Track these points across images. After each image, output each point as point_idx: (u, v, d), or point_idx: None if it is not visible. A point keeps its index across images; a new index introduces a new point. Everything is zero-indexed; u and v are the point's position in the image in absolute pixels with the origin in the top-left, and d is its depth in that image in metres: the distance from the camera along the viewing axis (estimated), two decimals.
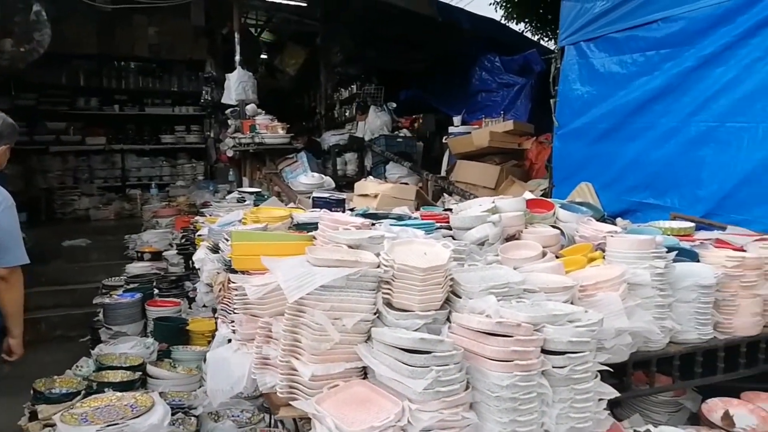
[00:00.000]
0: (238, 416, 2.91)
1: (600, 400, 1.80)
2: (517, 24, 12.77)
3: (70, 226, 9.11)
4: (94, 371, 3.39)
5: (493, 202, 2.98)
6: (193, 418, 2.81)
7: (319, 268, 1.79)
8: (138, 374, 3.23)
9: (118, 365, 3.38)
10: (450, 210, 3.37)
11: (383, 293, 1.87)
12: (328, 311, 1.74)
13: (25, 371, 3.52)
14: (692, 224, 3.16)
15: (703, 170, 4.12)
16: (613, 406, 2.49)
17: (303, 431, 1.67)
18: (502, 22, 12.16)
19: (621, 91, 4.81)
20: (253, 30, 11.21)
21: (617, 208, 4.56)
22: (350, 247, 2.05)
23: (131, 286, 5.30)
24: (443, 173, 8.03)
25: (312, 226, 2.63)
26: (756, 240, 2.85)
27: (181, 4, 8.00)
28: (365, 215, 2.95)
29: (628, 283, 2.20)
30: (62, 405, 2.74)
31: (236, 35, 8.10)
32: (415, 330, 1.76)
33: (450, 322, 1.85)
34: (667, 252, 2.39)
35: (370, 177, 6.83)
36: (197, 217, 5.13)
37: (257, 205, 4.12)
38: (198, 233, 4.04)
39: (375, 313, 1.82)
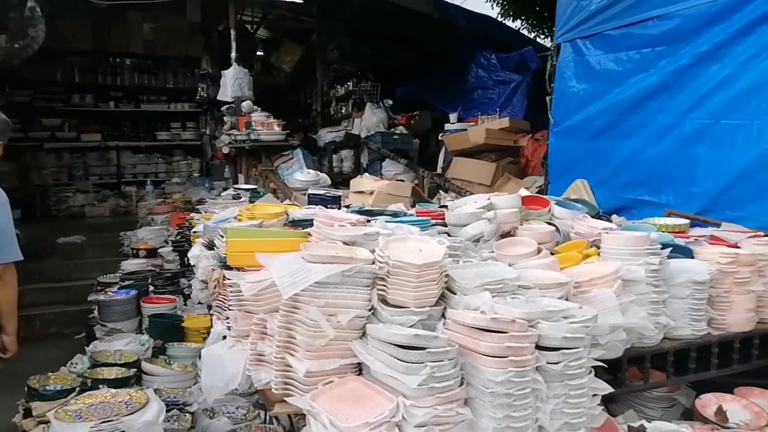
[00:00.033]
0: (233, 413, 2.91)
1: (594, 395, 1.81)
2: (513, 21, 12.77)
3: (65, 223, 9.07)
4: (88, 368, 3.38)
5: (489, 199, 2.98)
6: (188, 414, 2.81)
7: (313, 265, 1.79)
8: (133, 371, 3.22)
9: (113, 362, 3.37)
10: (445, 207, 3.37)
11: (378, 290, 1.87)
12: (322, 308, 1.74)
13: (20, 368, 3.51)
14: (687, 221, 3.17)
15: (698, 167, 4.13)
16: (607, 401, 2.51)
17: (298, 427, 1.67)
18: (499, 19, 12.15)
19: (617, 88, 4.82)
20: (249, 27, 11.18)
21: (612, 205, 4.57)
22: (345, 243, 2.05)
23: (126, 283, 5.29)
24: (439, 170, 8.03)
25: (307, 223, 2.63)
26: (750, 237, 2.86)
27: (176, 1, 7.97)
28: (361, 212, 2.95)
29: (622, 280, 2.21)
30: (56, 402, 2.73)
31: (232, 32, 8.07)
32: (410, 326, 1.77)
33: (445, 318, 1.86)
34: (661, 249, 2.40)
35: (366, 174, 6.82)
36: (193, 214, 5.12)
37: (253, 202, 4.11)
38: (193, 230, 4.03)
39: (370, 310, 1.82)
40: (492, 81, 9.15)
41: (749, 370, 2.60)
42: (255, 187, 5.35)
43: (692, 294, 2.39)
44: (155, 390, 2.76)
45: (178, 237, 5.87)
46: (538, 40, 12.08)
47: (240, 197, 4.68)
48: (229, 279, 2.20)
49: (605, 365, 1.95)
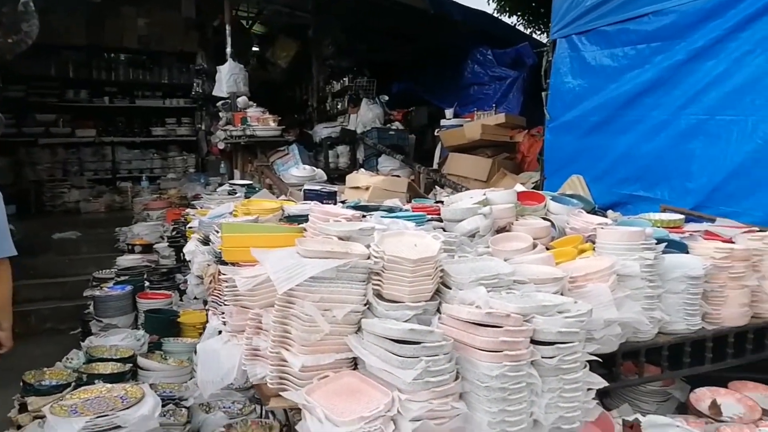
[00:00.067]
0: (229, 407, 2.91)
1: (589, 389, 1.81)
2: (509, 17, 12.76)
3: (60, 218, 9.04)
4: (84, 363, 3.37)
5: (484, 194, 2.98)
6: (184, 409, 2.81)
7: (308, 260, 1.79)
8: (128, 366, 3.22)
9: (109, 357, 3.37)
10: (441, 202, 3.37)
11: (373, 284, 1.87)
12: (317, 302, 1.74)
13: (15, 364, 3.50)
14: (682, 216, 3.18)
15: (693, 163, 4.15)
16: (602, 395, 2.52)
17: (294, 422, 1.67)
18: (495, 15, 12.14)
19: (612, 84, 4.83)
20: (244, 22, 11.13)
21: (608, 200, 4.58)
22: (340, 238, 2.05)
23: (122, 278, 5.28)
24: (435, 166, 8.04)
25: (303, 218, 2.63)
26: (744, 232, 2.88)
27: None
28: (356, 207, 2.95)
29: (617, 275, 2.22)
30: (52, 397, 2.72)
31: (227, 27, 8.04)
32: (406, 321, 1.77)
33: (440, 313, 1.86)
34: (656, 244, 2.41)
35: (362, 170, 6.82)
36: (188, 210, 5.11)
37: (248, 198, 4.10)
38: (189, 225, 4.03)
39: (365, 305, 1.82)
40: (488, 77, 9.16)
41: (743, 364, 2.61)
42: (250, 182, 5.34)
43: (687, 289, 2.40)
44: (151, 385, 2.76)
45: (174, 232, 5.87)
46: (534, 36, 12.07)
47: (235, 193, 4.67)
48: (224, 274, 2.20)
49: (600, 359, 1.96)
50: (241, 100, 7.54)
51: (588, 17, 5.04)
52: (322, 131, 9.10)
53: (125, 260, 5.99)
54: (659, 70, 4.43)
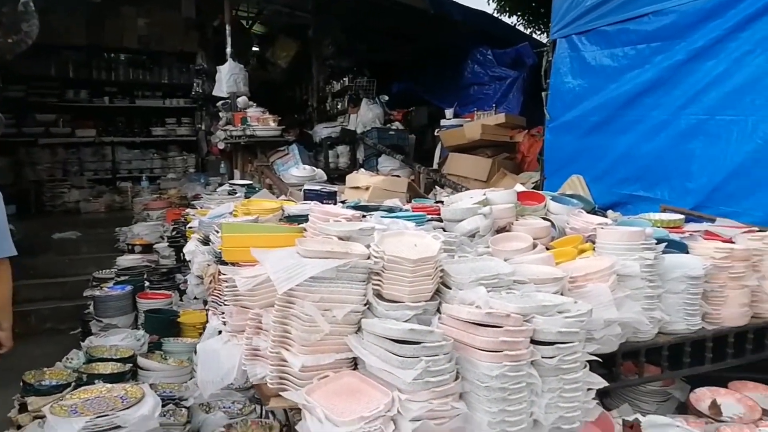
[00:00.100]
0: (230, 407, 2.91)
1: (589, 389, 1.81)
2: (509, 17, 12.76)
3: (60, 218, 9.04)
4: (84, 363, 3.37)
5: (484, 194, 2.98)
6: (184, 409, 2.81)
7: (308, 260, 1.79)
8: (128, 366, 3.22)
9: (109, 357, 3.37)
10: (441, 202, 3.37)
11: (373, 284, 1.87)
12: (317, 302, 1.74)
13: (15, 364, 3.50)
14: (682, 216, 3.19)
15: (693, 163, 4.15)
16: (602, 395, 2.52)
17: (294, 422, 1.67)
18: (495, 15, 12.14)
19: (612, 84, 4.83)
20: (244, 22, 11.13)
21: (608, 200, 4.58)
22: (340, 238, 2.05)
23: (122, 278, 5.28)
24: (435, 166, 8.04)
25: (303, 218, 2.63)
26: (744, 232, 2.88)
27: None
28: (356, 207, 2.95)
29: (617, 275, 2.22)
30: (52, 397, 2.72)
31: (227, 27, 8.04)
32: (406, 321, 1.77)
33: (440, 313, 1.86)
34: (656, 244, 2.40)
35: (362, 169, 6.81)
36: (188, 210, 5.10)
37: (248, 198, 4.10)
38: (189, 225, 4.03)
39: (365, 305, 1.82)
40: (488, 77, 9.16)
41: (743, 364, 2.61)
42: (250, 182, 5.34)
43: (687, 289, 2.40)
44: (151, 385, 2.76)
45: (174, 232, 5.87)
46: (534, 36, 12.07)
47: (235, 193, 4.67)
48: (224, 274, 2.20)
49: (600, 359, 1.96)
50: (241, 100, 7.54)
51: (588, 17, 5.04)
52: (322, 131, 9.10)
53: (125, 260, 5.99)
54: (659, 70, 4.43)
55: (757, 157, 3.74)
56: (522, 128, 7.50)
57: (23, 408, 2.89)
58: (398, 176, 6.71)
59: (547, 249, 2.52)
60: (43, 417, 2.39)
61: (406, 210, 3.07)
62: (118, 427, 2.18)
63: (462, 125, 7.77)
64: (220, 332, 2.27)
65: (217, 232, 2.66)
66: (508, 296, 1.87)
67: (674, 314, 2.40)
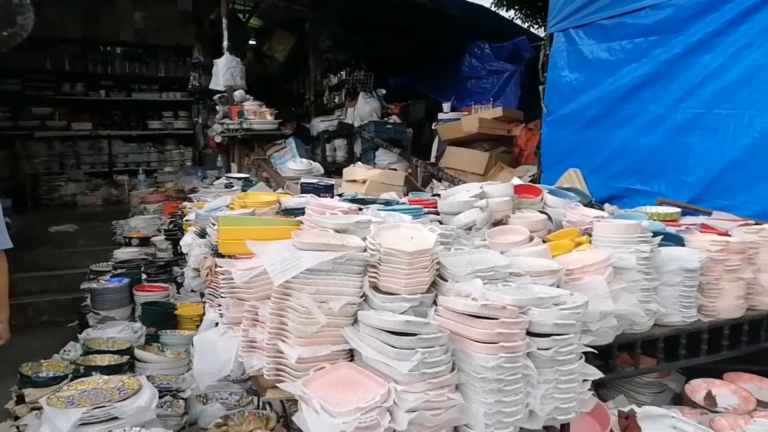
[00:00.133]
0: (227, 399, 2.92)
1: (585, 381, 1.82)
2: (507, 11, 12.76)
3: (57, 211, 9.02)
4: (81, 355, 3.37)
5: (481, 187, 2.98)
6: (181, 400, 2.81)
7: (305, 252, 1.79)
8: (126, 358, 3.22)
9: (106, 349, 3.37)
10: (438, 195, 3.37)
11: (370, 277, 1.87)
12: (314, 294, 1.74)
13: (12, 356, 3.50)
14: (678, 210, 3.20)
15: (690, 156, 4.16)
16: (598, 387, 2.54)
17: (290, 413, 1.68)
18: (492, 9, 12.12)
19: (609, 77, 4.83)
20: (241, 15, 11.10)
21: (605, 193, 4.59)
22: (337, 231, 2.05)
23: (119, 271, 5.27)
24: (433, 159, 8.03)
25: (300, 212, 2.63)
26: (740, 225, 2.89)
27: None
28: (353, 200, 2.95)
29: (613, 267, 2.23)
30: (49, 388, 2.72)
31: (224, 21, 8.00)
32: (402, 313, 1.77)
33: (436, 305, 1.86)
34: (652, 236, 2.41)
35: (359, 163, 6.81)
36: (185, 203, 5.10)
37: (245, 191, 4.10)
38: (185, 218, 4.02)
39: (361, 297, 1.82)
40: (485, 71, 9.15)
41: (739, 356, 2.63)
42: (247, 176, 5.33)
43: (683, 281, 2.41)
44: (148, 377, 2.76)
45: (171, 226, 5.86)
46: (531, 29, 12.07)
47: (232, 186, 4.66)
48: (220, 267, 2.20)
49: (596, 351, 1.97)
50: (238, 94, 7.52)
51: (585, 11, 5.04)
52: (319, 125, 9.09)
53: (122, 253, 5.98)
54: (656, 64, 4.43)
55: (753, 151, 3.75)
56: (519, 122, 7.51)
57: (21, 399, 2.90)
58: (395, 170, 6.70)
59: (544, 242, 2.53)
60: (40, 408, 2.39)
61: (403, 203, 3.07)
62: (115, 418, 2.18)
63: (459, 119, 7.77)
64: (216, 324, 2.27)
65: (214, 225, 2.66)
66: (504, 288, 1.88)
67: (670, 306, 2.41)
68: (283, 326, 1.79)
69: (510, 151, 7.33)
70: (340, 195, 3.65)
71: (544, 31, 6.38)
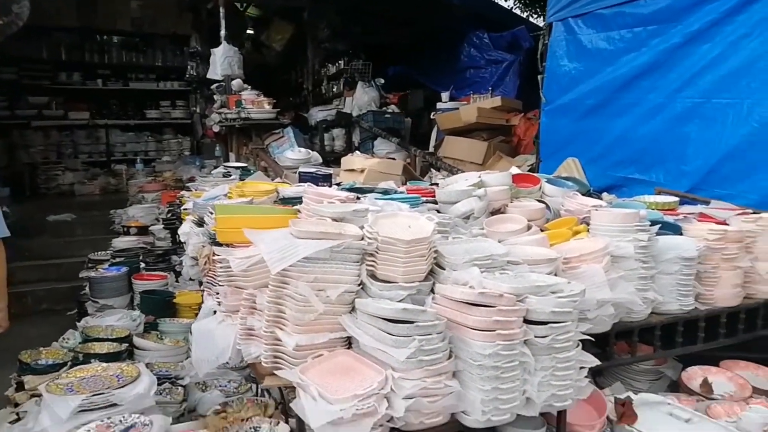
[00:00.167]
0: (226, 386, 2.93)
1: (581, 368, 1.83)
2: (506, 0, 12.69)
3: (55, 201, 9.00)
4: (80, 343, 3.38)
5: (479, 176, 2.98)
6: (180, 388, 2.82)
7: (302, 241, 1.79)
8: (124, 346, 3.22)
9: (105, 337, 3.37)
10: (436, 184, 3.37)
11: (367, 265, 1.88)
12: (311, 283, 1.74)
13: (11, 344, 3.51)
14: (676, 199, 3.21)
15: (689, 146, 4.15)
16: (595, 374, 2.55)
17: (289, 400, 1.69)
18: None
19: (608, 67, 4.82)
20: (238, 5, 11.01)
21: (603, 183, 4.59)
22: (334, 220, 2.05)
23: (117, 260, 5.27)
24: (431, 149, 8.01)
25: (297, 200, 2.63)
26: (738, 214, 2.89)
27: None
28: (351, 189, 2.95)
29: (611, 256, 2.24)
30: (48, 376, 2.73)
31: (221, 9, 7.96)
32: (399, 301, 1.78)
33: (434, 293, 1.87)
34: (650, 225, 2.42)
35: (357, 152, 6.80)
36: (183, 192, 5.09)
37: (243, 180, 4.09)
38: (183, 207, 4.02)
39: (359, 285, 1.83)
40: (484, 60, 9.10)
41: (735, 343, 2.64)
42: (245, 165, 5.32)
43: (680, 270, 2.42)
44: (147, 364, 2.77)
45: (169, 215, 5.86)
46: (530, 19, 12.01)
47: (230, 175, 4.65)
48: (218, 255, 2.20)
49: (593, 339, 1.98)
50: (236, 83, 7.49)
51: (584, 0, 5.01)
52: (317, 114, 9.06)
53: (121, 242, 5.98)
54: (655, 54, 4.41)
55: (752, 140, 3.75)
56: (518, 111, 7.48)
57: (20, 387, 2.90)
58: (394, 159, 6.69)
59: (542, 231, 2.53)
60: (39, 395, 2.40)
61: (401, 192, 3.07)
62: (114, 404, 2.19)
63: (458, 108, 7.74)
64: (215, 312, 2.28)
65: (212, 213, 2.66)
66: (502, 277, 1.89)
67: (667, 295, 2.42)
68: (281, 314, 1.80)
69: (508, 140, 7.31)
70: (338, 184, 3.65)
71: (543, 21, 6.35)
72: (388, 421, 1.59)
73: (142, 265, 5.19)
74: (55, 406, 2.14)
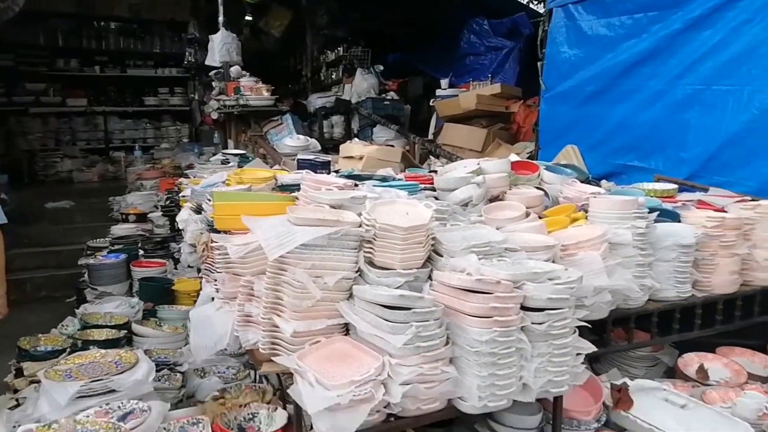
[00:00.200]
0: (224, 372, 2.94)
1: (578, 354, 1.84)
2: None
3: (53, 188, 9.00)
4: (78, 330, 3.38)
5: (478, 163, 2.98)
6: (179, 374, 2.83)
7: (299, 227, 1.79)
8: (123, 333, 3.22)
9: (103, 324, 3.38)
10: (435, 172, 3.36)
11: (365, 252, 1.88)
12: (309, 269, 1.74)
13: (10, 331, 3.51)
14: (675, 186, 3.20)
15: (689, 133, 4.14)
16: (592, 361, 2.57)
17: (287, 386, 1.69)
18: None
19: (608, 53, 4.78)
20: None
21: (602, 170, 4.58)
22: (332, 207, 2.04)
23: (116, 247, 5.26)
24: (430, 136, 7.99)
25: (296, 187, 2.62)
26: (737, 201, 2.89)
27: None
28: (349, 177, 2.94)
29: (609, 243, 2.23)
30: (47, 362, 2.74)
31: None
32: (397, 288, 1.78)
33: (431, 280, 1.87)
34: (648, 213, 2.42)
35: (356, 139, 6.78)
36: (181, 179, 5.08)
37: (241, 167, 4.08)
38: (182, 194, 4.01)
39: (357, 272, 1.83)
40: (484, 47, 9.05)
41: (732, 330, 2.65)
42: (244, 152, 5.31)
43: (678, 257, 2.43)
44: (146, 351, 2.77)
45: (168, 202, 5.84)
46: (530, 5, 11.88)
47: (229, 162, 4.64)
48: (216, 242, 2.20)
49: (590, 326, 1.98)
50: (234, 70, 7.45)
51: None
52: (316, 101, 9.03)
53: (119, 229, 5.97)
54: (656, 40, 4.38)
55: (752, 127, 3.74)
56: (518, 98, 7.45)
57: (19, 373, 2.91)
58: (392, 146, 6.67)
59: (540, 218, 2.53)
60: (39, 381, 2.41)
61: (399, 179, 3.06)
62: (113, 391, 2.20)
63: (457, 95, 7.71)
64: (213, 299, 2.28)
65: (210, 200, 2.65)
66: (499, 263, 1.89)
67: (665, 282, 2.43)
68: (279, 301, 1.80)
69: (508, 127, 7.29)
70: (336, 171, 3.64)
71: (543, 7, 6.31)
72: (385, 407, 1.59)
73: (141, 252, 5.18)
74: (53, 392, 2.15)
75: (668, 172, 4.09)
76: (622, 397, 2.16)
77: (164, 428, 2.13)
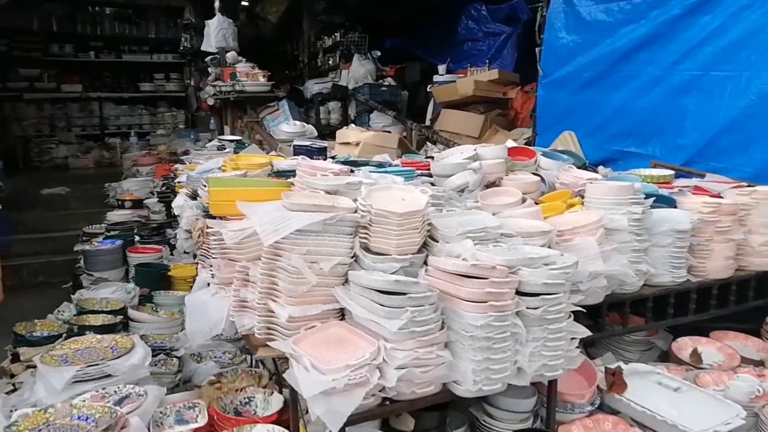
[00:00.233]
0: (220, 357, 2.94)
1: (573, 339, 1.85)
2: None
3: (49, 174, 8.97)
4: (75, 315, 3.38)
5: (475, 149, 2.97)
6: (175, 359, 2.84)
7: (295, 213, 1.78)
8: (119, 318, 3.23)
9: (99, 309, 3.38)
10: (432, 158, 3.35)
11: (361, 238, 1.88)
12: (304, 255, 1.74)
13: (6, 316, 3.52)
14: (672, 172, 3.20)
15: (686, 119, 4.13)
16: (587, 345, 2.58)
17: (282, 370, 1.70)
18: None
19: (607, 39, 4.75)
20: None
21: (599, 156, 4.57)
22: (327, 192, 2.04)
23: (112, 233, 5.26)
24: (428, 122, 7.96)
25: (292, 173, 2.61)
26: (733, 187, 2.89)
27: None
28: (345, 162, 2.93)
29: (605, 229, 2.24)
30: (43, 347, 2.74)
31: None
32: (392, 273, 1.78)
33: (427, 265, 1.87)
34: (645, 198, 2.42)
35: (353, 125, 6.75)
36: (177, 165, 5.06)
37: (237, 153, 4.07)
38: (177, 180, 4.00)
39: (352, 257, 1.83)
40: (482, 33, 8.98)
41: (726, 314, 2.67)
42: (240, 138, 5.29)
43: (673, 242, 2.43)
44: (142, 336, 2.78)
45: (164, 188, 5.82)
46: None
47: (225, 148, 4.62)
48: (211, 228, 2.19)
49: (586, 311, 1.99)
50: (230, 56, 7.40)
51: None
52: (313, 87, 8.99)
53: (115, 215, 5.95)
54: (655, 25, 4.35)
55: (750, 113, 3.73)
56: (515, 84, 7.42)
57: (16, 358, 2.92)
58: (389, 132, 6.65)
59: (537, 204, 2.52)
60: (35, 366, 2.41)
61: (396, 165, 3.05)
62: (109, 375, 2.20)
63: (455, 81, 7.67)
64: (209, 285, 2.28)
65: (205, 186, 2.65)
66: (495, 249, 1.89)
67: (660, 267, 2.44)
68: (274, 286, 1.80)
69: (505, 113, 7.26)
70: (333, 157, 3.62)
71: None
72: (380, 391, 1.60)
73: (137, 238, 5.18)
74: (50, 377, 2.16)
75: (665, 158, 4.09)
76: (616, 380, 2.17)
77: (161, 412, 2.14)
